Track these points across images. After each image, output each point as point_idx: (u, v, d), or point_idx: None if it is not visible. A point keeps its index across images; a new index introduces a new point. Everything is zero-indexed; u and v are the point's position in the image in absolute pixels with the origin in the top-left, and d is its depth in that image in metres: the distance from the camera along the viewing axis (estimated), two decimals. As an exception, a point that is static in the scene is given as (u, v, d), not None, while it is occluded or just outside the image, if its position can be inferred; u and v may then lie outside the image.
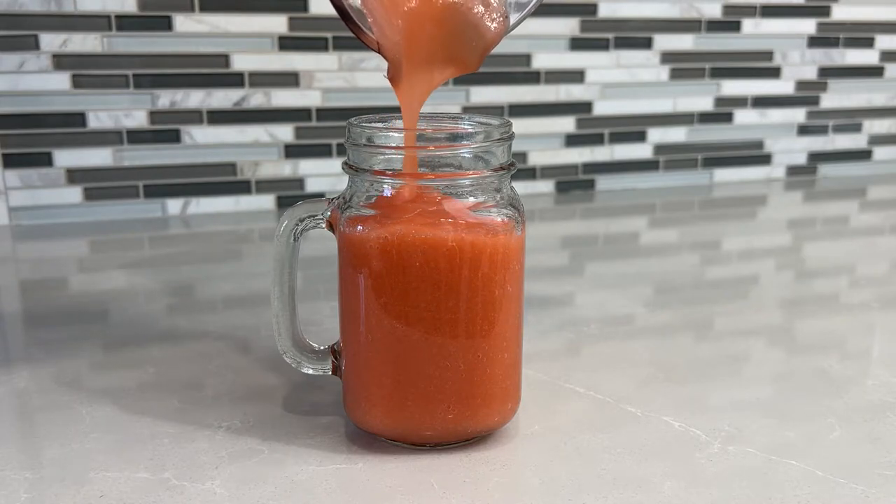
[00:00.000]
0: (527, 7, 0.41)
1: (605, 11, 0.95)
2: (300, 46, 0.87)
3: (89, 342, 0.54)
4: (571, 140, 0.99)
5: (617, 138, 1.00)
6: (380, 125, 0.40)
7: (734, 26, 1.01)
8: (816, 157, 1.10)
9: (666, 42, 0.99)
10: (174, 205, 0.88)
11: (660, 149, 1.02)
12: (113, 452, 0.40)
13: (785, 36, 1.03)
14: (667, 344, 0.54)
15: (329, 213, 0.41)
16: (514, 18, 0.40)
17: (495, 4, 0.39)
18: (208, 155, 0.87)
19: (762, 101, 1.05)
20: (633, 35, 0.97)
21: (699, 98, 1.02)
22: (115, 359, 0.51)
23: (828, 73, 1.07)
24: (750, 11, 1.01)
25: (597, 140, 0.99)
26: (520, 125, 0.95)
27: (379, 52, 0.39)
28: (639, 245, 0.81)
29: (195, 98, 0.85)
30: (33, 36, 0.80)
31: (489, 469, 0.39)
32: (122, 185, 0.86)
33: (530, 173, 0.98)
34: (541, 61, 0.95)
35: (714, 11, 0.99)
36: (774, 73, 1.04)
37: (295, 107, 0.88)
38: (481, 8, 0.38)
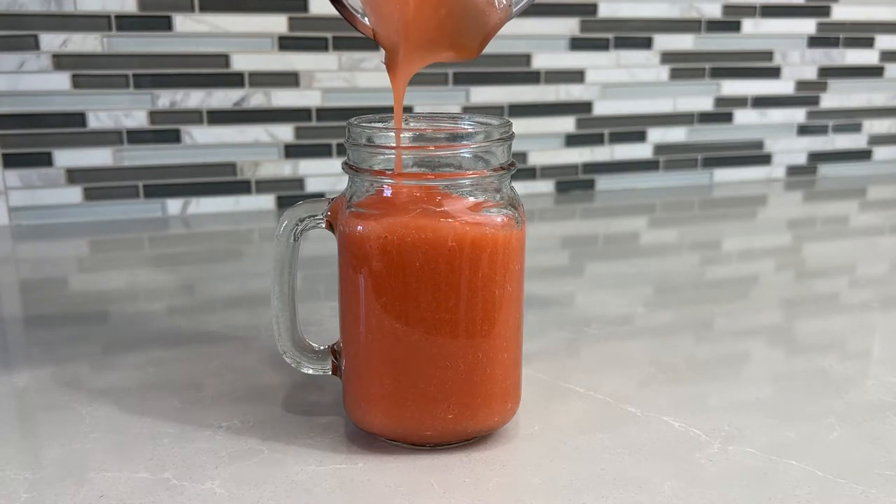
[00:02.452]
0: None
1: (605, 11, 0.95)
2: (300, 46, 0.87)
3: (89, 342, 0.54)
4: (571, 140, 0.99)
5: (617, 138, 1.00)
6: (380, 125, 0.40)
7: (734, 26, 1.01)
8: (816, 157, 1.10)
9: (666, 42, 0.99)
10: (174, 205, 0.88)
11: (660, 149, 1.02)
12: (113, 452, 0.40)
13: (785, 36, 1.03)
14: (667, 344, 0.54)
15: (329, 213, 0.41)
16: (517, 4, 0.40)
17: None
18: (208, 155, 0.87)
19: (762, 101, 1.05)
20: (633, 35, 0.97)
21: (699, 98, 1.02)
22: (115, 359, 0.51)
23: (828, 73, 1.07)
24: (750, 11, 1.01)
25: (597, 140, 0.99)
26: (520, 125, 0.95)
27: (374, 39, 0.38)
28: (639, 245, 0.81)
29: (195, 98, 0.85)
30: (33, 36, 0.80)
31: (489, 469, 0.39)
32: (122, 185, 0.86)
33: (530, 173, 0.98)
34: (541, 61, 0.95)
35: (714, 11, 0.99)
36: (774, 73, 1.04)
37: (295, 107, 0.88)
38: None
